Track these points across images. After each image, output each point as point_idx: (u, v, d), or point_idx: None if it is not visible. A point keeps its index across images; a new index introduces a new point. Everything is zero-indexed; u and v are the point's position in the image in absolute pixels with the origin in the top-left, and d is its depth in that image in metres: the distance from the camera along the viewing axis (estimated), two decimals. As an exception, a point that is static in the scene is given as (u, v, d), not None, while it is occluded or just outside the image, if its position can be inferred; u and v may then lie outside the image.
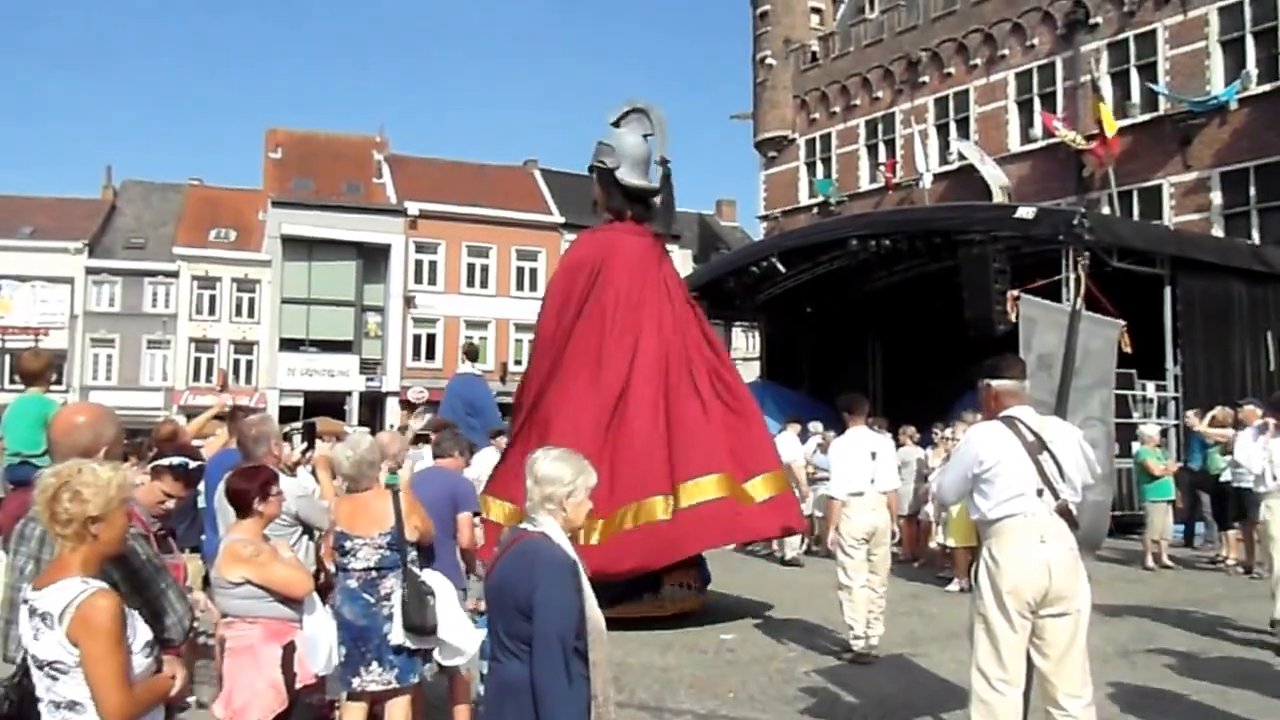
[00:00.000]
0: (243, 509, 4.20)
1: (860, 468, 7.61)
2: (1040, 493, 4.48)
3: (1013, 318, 13.08)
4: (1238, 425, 11.41)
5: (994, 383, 4.80)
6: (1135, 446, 13.01)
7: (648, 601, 8.70)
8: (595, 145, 9.56)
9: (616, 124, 9.72)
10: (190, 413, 26.45)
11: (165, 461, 3.98)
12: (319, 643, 4.23)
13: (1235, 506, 11.40)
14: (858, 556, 7.57)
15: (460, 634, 4.82)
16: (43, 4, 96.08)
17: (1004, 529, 4.50)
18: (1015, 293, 13.11)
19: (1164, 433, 13.54)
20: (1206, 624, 8.58)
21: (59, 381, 37.47)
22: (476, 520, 6.91)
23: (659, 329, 8.98)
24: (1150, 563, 11.93)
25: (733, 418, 8.96)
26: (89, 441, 3.32)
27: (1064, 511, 4.51)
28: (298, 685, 4.13)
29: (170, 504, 3.98)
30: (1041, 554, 4.41)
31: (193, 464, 4.13)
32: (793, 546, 12.95)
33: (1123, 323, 13.19)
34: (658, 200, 9.71)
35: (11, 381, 36.87)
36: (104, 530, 2.69)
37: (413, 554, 4.88)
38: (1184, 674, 6.86)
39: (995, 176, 27.62)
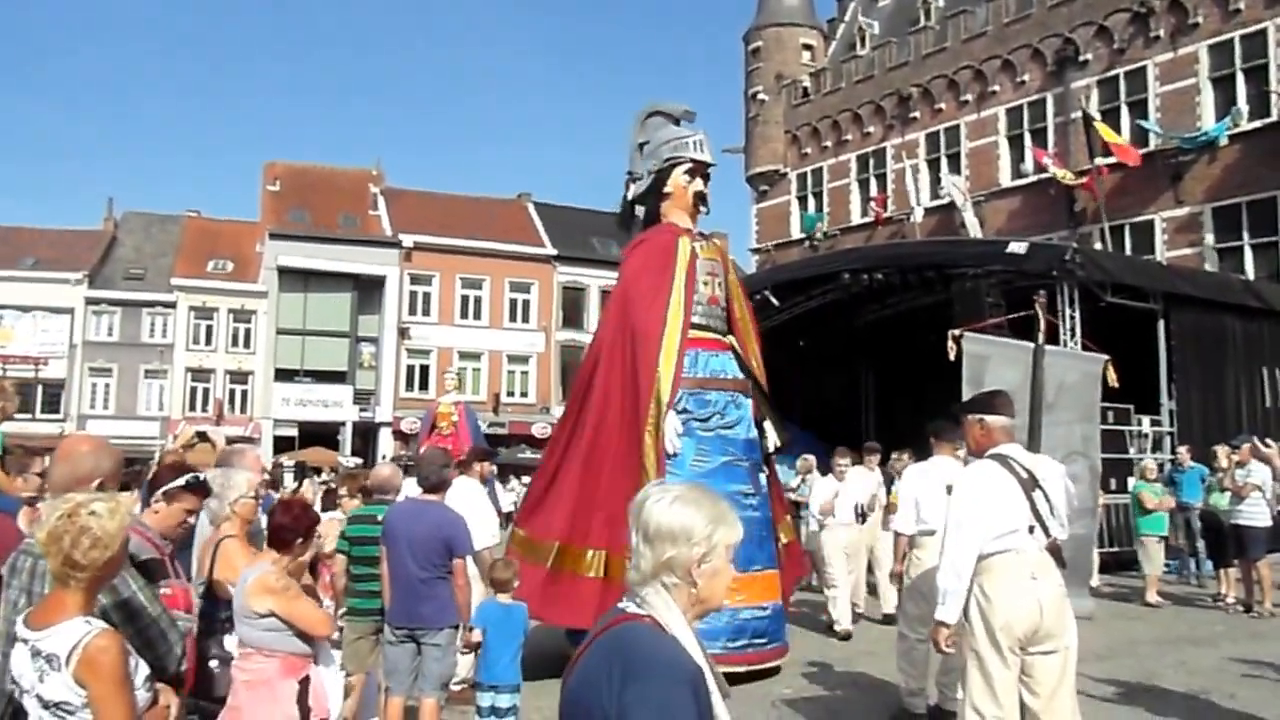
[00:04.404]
0: (280, 543, 4.17)
1: (937, 503, 6.19)
2: (1032, 530, 4.49)
3: (952, 357, 12.91)
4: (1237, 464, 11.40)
5: (988, 418, 4.79)
6: (1132, 482, 12.97)
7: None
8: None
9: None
10: (184, 445, 26.31)
11: (180, 482, 3.92)
12: (336, 695, 4.21)
13: (1234, 544, 11.35)
14: (925, 609, 6.09)
15: None
16: (46, 39, 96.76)
17: (995, 565, 4.49)
18: (957, 332, 13.00)
19: (1160, 467, 13.49)
20: (1208, 663, 8.50)
21: (55, 410, 37.41)
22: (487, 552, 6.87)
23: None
24: (1150, 599, 11.87)
25: None
26: (88, 470, 3.38)
27: (1054, 550, 4.52)
28: (314, 719, 4.09)
29: (191, 520, 3.98)
30: (1032, 591, 4.41)
31: (202, 475, 4.11)
32: (846, 617, 10.16)
33: (1105, 357, 13.27)
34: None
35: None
36: (111, 568, 2.74)
37: (227, 611, 4.26)
38: (1184, 716, 6.78)
39: (972, 224, 27.87)
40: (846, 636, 9.79)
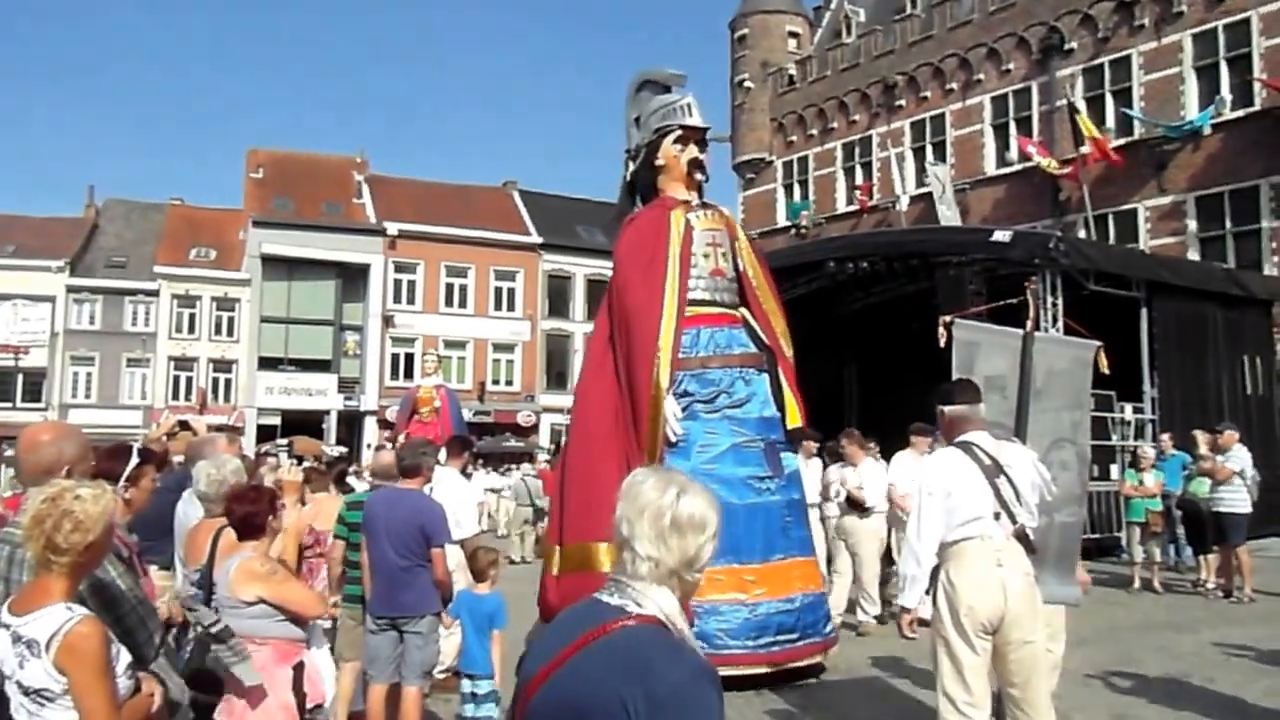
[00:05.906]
0: (253, 530, 4.12)
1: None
2: (997, 516, 4.50)
3: (942, 343, 12.84)
4: (1216, 449, 11.46)
5: (946, 409, 4.83)
6: (1115, 470, 13.03)
7: None
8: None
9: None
10: (167, 433, 26.24)
11: (134, 461, 3.93)
12: (329, 678, 4.19)
13: (1214, 530, 11.42)
14: None
15: None
16: (28, 25, 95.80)
17: (960, 551, 4.51)
18: (948, 318, 12.96)
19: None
20: (1187, 648, 8.57)
21: (36, 399, 37.21)
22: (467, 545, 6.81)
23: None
24: (1137, 585, 11.95)
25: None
26: (51, 460, 3.32)
27: (1021, 536, 4.53)
28: (309, 705, 4.06)
29: (157, 483, 4.02)
30: (997, 576, 4.43)
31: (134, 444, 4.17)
32: (840, 608, 9.78)
33: (1098, 343, 13.33)
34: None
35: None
36: (94, 555, 2.71)
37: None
38: (1163, 700, 6.83)
39: (949, 217, 27.85)
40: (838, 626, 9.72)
